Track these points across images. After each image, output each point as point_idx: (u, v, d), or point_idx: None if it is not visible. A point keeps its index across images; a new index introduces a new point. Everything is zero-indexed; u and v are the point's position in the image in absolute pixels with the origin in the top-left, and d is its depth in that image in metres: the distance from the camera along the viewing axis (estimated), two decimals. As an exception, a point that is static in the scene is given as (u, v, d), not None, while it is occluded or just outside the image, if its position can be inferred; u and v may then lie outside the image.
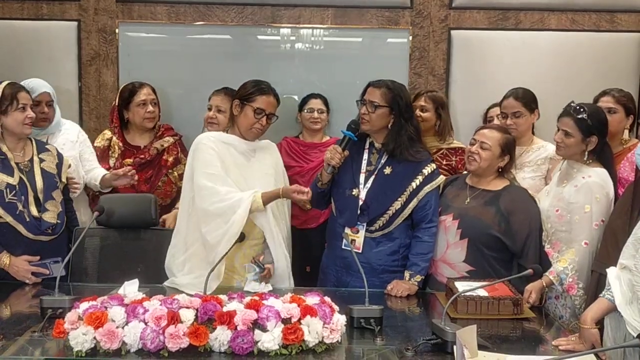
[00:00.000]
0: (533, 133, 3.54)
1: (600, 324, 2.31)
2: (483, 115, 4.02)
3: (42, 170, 3.04)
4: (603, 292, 2.32)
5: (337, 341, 2.15)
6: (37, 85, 3.44)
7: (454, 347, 2.07)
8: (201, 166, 2.91)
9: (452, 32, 4.32)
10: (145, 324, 2.07)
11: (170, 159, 3.78)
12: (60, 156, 3.17)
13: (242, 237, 2.83)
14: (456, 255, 2.95)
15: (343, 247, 3.03)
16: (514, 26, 4.31)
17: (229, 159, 2.96)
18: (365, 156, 3.06)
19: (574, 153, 2.90)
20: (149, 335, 2.05)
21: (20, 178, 2.96)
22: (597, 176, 2.85)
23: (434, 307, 2.78)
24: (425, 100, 3.70)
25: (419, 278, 2.92)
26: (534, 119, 3.49)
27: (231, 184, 2.90)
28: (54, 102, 3.50)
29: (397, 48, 4.36)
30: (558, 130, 2.92)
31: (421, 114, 3.63)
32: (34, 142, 3.11)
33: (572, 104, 2.90)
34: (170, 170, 3.76)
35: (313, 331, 2.10)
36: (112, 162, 3.71)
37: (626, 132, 3.29)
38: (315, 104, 3.99)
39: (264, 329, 2.08)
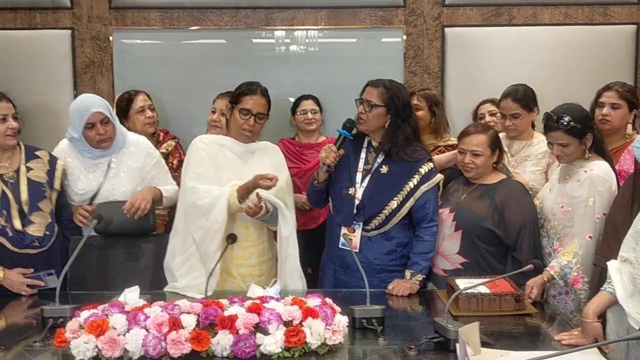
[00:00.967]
0: (533, 127, 3.53)
1: (602, 317, 2.31)
2: (473, 113, 4.02)
3: (29, 181, 2.91)
4: (604, 286, 2.31)
5: (340, 342, 2.14)
6: (84, 106, 3.04)
7: (457, 344, 2.07)
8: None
9: (446, 29, 4.32)
10: (147, 330, 2.06)
11: (175, 161, 3.82)
12: (52, 162, 3.02)
13: (233, 239, 2.85)
14: (450, 247, 2.97)
15: (340, 246, 3.02)
16: (508, 22, 4.32)
17: (222, 160, 2.97)
18: (363, 155, 3.05)
19: (576, 156, 2.89)
20: (150, 342, 2.04)
21: (3, 191, 2.85)
22: (599, 169, 2.84)
23: (436, 305, 2.77)
24: (418, 99, 3.70)
25: (420, 277, 2.91)
26: (534, 117, 3.47)
27: (221, 183, 2.91)
28: (111, 119, 3.09)
29: (392, 47, 4.36)
30: (552, 145, 2.87)
31: (415, 112, 3.62)
32: (22, 150, 2.97)
33: (552, 116, 2.83)
34: (176, 173, 3.75)
35: (315, 333, 2.09)
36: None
37: (629, 126, 3.28)
38: (308, 105, 3.99)
39: (265, 333, 2.07)
